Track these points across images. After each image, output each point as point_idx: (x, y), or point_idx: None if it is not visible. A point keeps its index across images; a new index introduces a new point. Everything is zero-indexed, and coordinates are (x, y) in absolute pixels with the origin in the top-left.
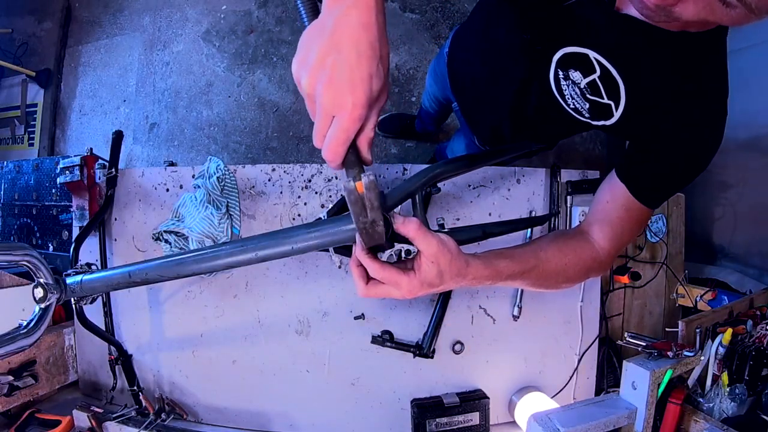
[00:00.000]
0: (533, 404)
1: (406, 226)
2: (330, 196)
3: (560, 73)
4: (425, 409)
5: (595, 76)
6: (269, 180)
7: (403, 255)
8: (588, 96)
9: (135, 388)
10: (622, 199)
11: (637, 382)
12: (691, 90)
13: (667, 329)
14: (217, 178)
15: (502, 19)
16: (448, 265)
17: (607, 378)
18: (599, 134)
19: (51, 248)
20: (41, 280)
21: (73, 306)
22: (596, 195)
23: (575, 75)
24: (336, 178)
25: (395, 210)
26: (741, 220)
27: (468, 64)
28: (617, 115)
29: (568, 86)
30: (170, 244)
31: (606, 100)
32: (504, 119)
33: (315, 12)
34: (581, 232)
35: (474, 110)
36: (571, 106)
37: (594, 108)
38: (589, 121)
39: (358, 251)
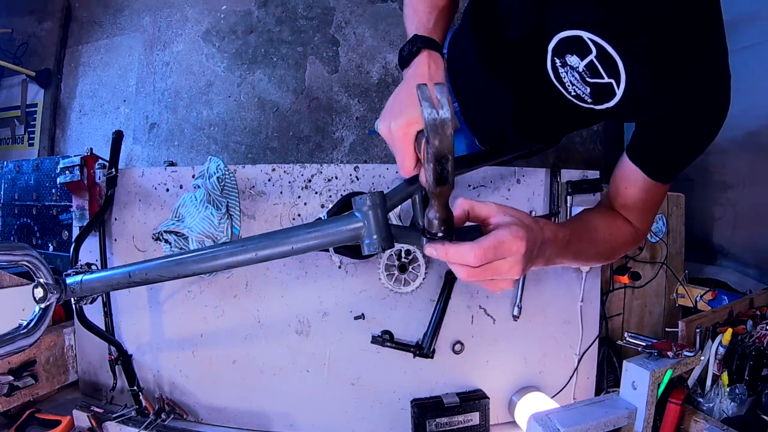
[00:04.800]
0: (533, 404)
1: (484, 208)
2: (330, 196)
3: (557, 61)
4: (425, 409)
5: (592, 57)
6: (269, 180)
7: (402, 254)
8: (588, 79)
9: (135, 388)
10: (640, 182)
11: (637, 382)
12: (690, 57)
13: (667, 329)
14: (217, 178)
15: (490, 18)
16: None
17: (607, 378)
18: (599, 134)
19: (51, 248)
20: (41, 280)
21: (73, 306)
22: (611, 183)
23: (572, 59)
24: (336, 178)
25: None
26: (741, 220)
27: (466, 66)
28: (619, 93)
29: (566, 73)
30: (170, 244)
31: (607, 80)
32: (506, 119)
33: None
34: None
35: (475, 112)
36: (572, 93)
37: (595, 90)
38: (592, 106)
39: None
